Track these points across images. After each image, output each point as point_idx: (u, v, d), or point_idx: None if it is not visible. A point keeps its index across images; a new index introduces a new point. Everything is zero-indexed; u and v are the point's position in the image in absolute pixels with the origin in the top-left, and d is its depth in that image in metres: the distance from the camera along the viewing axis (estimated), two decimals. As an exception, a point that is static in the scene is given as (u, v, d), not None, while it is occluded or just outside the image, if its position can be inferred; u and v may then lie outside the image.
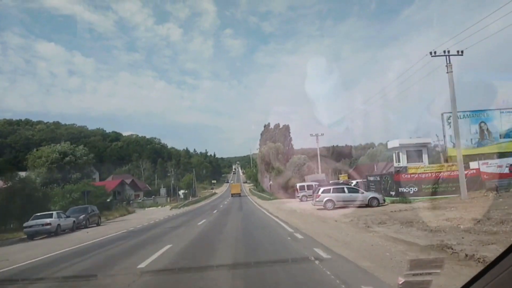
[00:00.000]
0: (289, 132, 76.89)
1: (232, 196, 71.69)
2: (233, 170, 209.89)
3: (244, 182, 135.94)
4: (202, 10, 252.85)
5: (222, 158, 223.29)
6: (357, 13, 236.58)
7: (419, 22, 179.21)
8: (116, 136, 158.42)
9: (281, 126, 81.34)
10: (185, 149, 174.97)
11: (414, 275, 2.25)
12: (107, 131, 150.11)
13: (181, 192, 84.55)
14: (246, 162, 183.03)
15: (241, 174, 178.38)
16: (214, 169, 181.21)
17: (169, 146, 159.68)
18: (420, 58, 19.37)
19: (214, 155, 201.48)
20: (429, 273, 2.26)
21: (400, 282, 2.19)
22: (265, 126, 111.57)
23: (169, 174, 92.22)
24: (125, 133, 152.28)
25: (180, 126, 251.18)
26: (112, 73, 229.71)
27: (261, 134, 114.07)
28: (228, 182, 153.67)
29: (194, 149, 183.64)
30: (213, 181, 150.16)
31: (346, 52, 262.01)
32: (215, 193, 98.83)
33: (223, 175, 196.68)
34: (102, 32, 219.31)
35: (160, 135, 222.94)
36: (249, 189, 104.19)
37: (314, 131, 43.92)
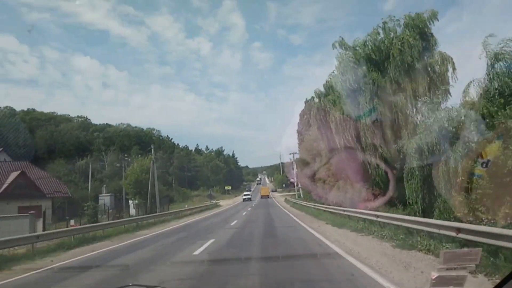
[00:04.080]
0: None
1: (261, 197, 71.25)
2: (258, 178, 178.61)
3: (273, 191, 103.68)
4: (231, 24, 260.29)
5: (247, 167, 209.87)
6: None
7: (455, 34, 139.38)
8: (104, 128, 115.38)
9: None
10: (196, 146, 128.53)
11: (448, 269, 2.13)
12: (96, 123, 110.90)
13: (132, 203, 36.35)
14: (276, 169, 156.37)
15: (267, 182, 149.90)
16: (232, 172, 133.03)
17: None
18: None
19: (233, 155, 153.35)
20: (464, 267, 2.12)
21: (434, 277, 2.15)
22: (306, 101, 64.28)
23: (118, 165, 44.07)
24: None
25: (208, 137, 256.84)
26: (144, 86, 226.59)
27: (300, 116, 66.70)
28: (249, 191, 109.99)
29: (207, 146, 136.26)
30: (226, 188, 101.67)
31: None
32: (218, 206, 49.50)
33: (244, 182, 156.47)
34: (135, 46, 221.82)
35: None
36: (285, 199, 55.96)
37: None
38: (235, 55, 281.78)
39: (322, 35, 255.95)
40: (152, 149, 34.79)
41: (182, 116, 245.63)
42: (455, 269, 2.09)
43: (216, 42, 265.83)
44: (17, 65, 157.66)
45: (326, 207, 21.38)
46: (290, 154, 62.72)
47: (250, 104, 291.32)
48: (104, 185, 45.57)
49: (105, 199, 43.22)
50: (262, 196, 74.88)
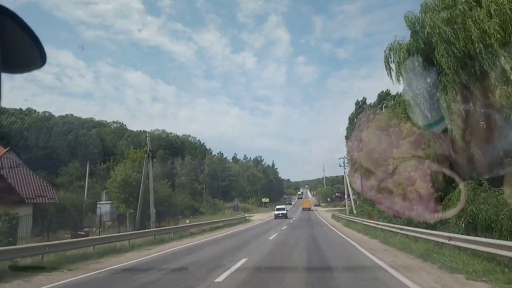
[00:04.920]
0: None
1: (303, 210, 70.21)
2: (299, 192, 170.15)
3: (316, 205, 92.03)
4: (276, 39, 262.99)
5: (288, 180, 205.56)
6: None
7: None
8: (139, 134, 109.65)
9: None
10: (234, 155, 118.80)
11: None
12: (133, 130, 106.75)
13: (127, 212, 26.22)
14: (319, 183, 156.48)
15: (309, 196, 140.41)
16: (271, 184, 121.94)
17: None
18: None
19: (273, 165, 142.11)
20: None
21: None
22: (357, 103, 55.63)
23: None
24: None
25: (250, 150, 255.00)
26: (190, 100, 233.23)
27: (349, 119, 57.10)
28: (289, 204, 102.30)
29: (245, 155, 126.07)
30: (264, 200, 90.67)
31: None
32: (246, 220, 38.78)
33: (285, 196, 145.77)
34: (183, 61, 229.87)
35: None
36: (333, 214, 44.77)
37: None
38: (279, 69, 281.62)
39: (368, 48, 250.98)
40: (147, 138, 24.50)
41: (226, 129, 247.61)
42: None
43: (260, 56, 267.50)
44: (74, 80, 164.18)
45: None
46: (340, 158, 50.60)
47: (293, 117, 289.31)
48: (105, 191, 36.30)
49: (102, 207, 33.84)
50: (303, 209, 71.89)
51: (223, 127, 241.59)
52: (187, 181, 70.45)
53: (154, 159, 67.98)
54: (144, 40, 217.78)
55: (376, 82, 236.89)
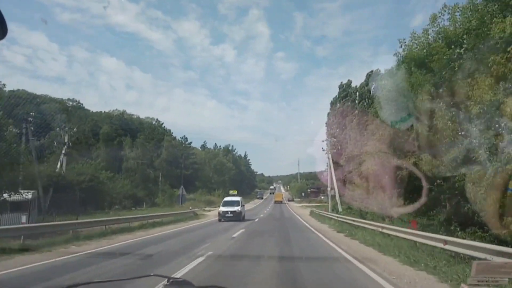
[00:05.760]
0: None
1: (275, 203, 72.13)
2: (272, 187, 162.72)
3: (290, 200, 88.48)
4: (257, 33, 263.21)
5: (262, 174, 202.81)
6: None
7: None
8: (96, 114, 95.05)
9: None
10: (203, 143, 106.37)
11: (479, 281, 2.15)
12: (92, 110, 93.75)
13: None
14: (293, 178, 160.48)
15: (283, 191, 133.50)
16: (241, 175, 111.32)
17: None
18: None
19: (246, 156, 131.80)
20: (497, 280, 2.00)
21: None
22: (341, 86, 49.26)
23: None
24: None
25: (226, 144, 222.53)
26: (167, 89, 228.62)
27: (331, 104, 50.23)
28: (261, 199, 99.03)
29: (215, 144, 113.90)
30: (231, 192, 79.65)
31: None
32: (195, 217, 27.75)
33: (256, 189, 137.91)
34: (161, 49, 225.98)
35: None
36: (312, 211, 33.96)
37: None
38: (258, 63, 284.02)
39: (347, 47, 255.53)
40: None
41: (203, 121, 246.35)
42: (487, 281, 2.02)
43: (240, 50, 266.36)
44: (46, 63, 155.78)
45: None
46: (323, 141, 40.37)
47: (271, 113, 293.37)
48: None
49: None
50: (275, 202, 74.54)
51: (200, 119, 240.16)
52: (138, 166, 58.46)
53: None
54: (121, 26, 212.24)
55: (353, 81, 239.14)
